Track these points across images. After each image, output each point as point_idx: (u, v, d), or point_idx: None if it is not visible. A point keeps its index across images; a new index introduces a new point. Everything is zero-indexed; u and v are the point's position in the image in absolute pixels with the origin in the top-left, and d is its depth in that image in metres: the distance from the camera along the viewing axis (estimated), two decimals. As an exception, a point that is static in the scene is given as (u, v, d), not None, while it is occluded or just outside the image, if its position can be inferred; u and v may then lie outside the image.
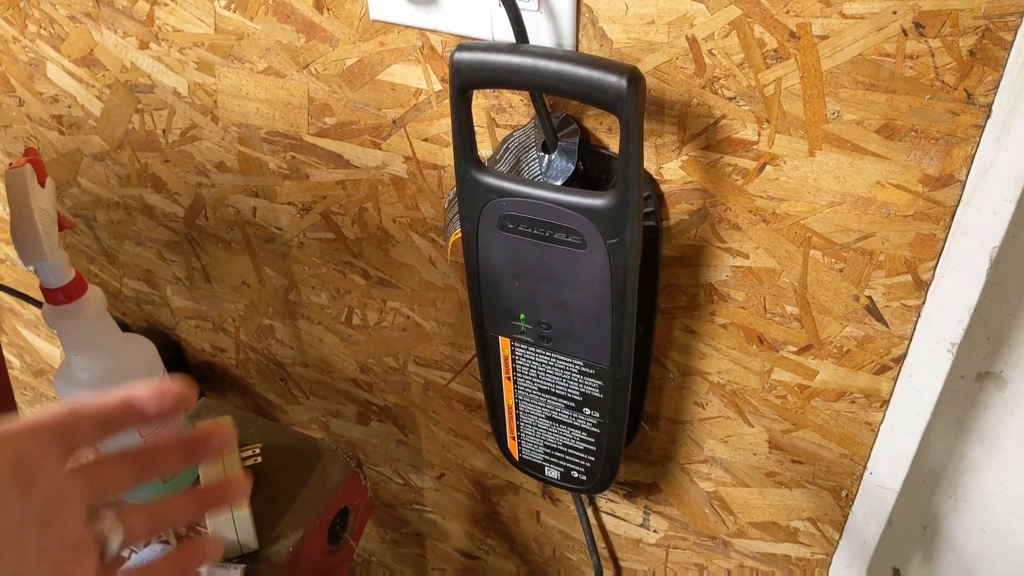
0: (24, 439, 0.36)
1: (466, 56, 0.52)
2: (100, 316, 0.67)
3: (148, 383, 0.39)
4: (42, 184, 0.64)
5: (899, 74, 0.49)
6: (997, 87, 0.47)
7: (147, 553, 0.67)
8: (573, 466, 0.72)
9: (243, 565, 0.71)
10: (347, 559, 0.83)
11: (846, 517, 0.73)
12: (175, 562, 0.42)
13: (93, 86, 0.86)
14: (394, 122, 0.69)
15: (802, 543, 0.78)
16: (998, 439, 0.69)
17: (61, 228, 0.66)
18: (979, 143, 0.49)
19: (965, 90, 0.48)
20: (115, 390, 0.39)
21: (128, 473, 0.40)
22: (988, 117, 0.48)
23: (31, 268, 0.63)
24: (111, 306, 1.13)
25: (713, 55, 0.53)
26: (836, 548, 0.76)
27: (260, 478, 0.79)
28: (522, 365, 0.67)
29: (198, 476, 0.76)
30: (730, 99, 0.54)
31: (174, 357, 1.15)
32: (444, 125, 0.67)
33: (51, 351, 1.36)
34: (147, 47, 0.78)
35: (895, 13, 0.47)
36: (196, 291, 1.02)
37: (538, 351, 0.65)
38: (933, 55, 0.47)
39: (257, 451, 0.80)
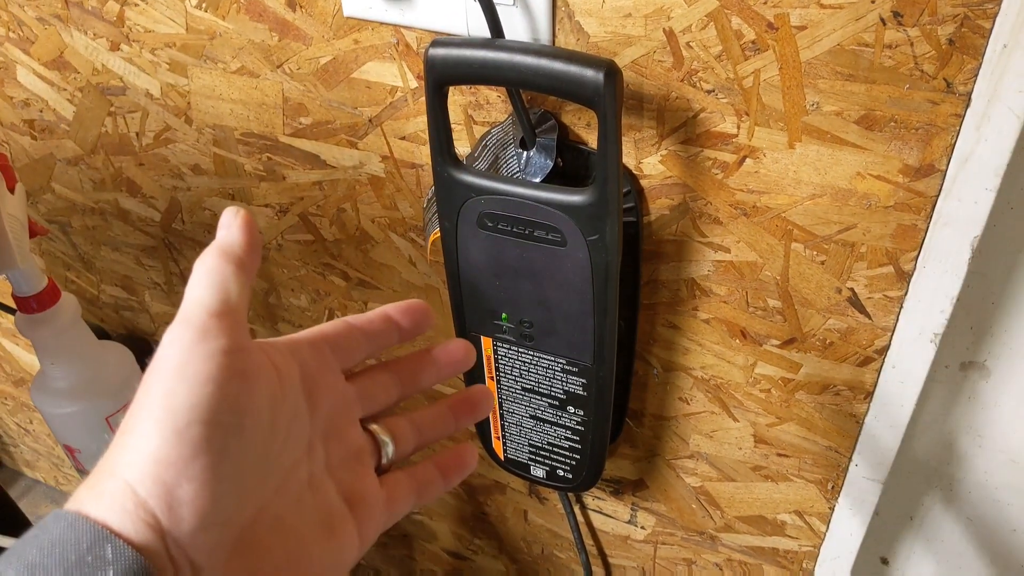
0: (307, 352, 0.36)
1: (441, 52, 0.51)
2: (74, 324, 0.66)
3: (397, 304, 0.40)
4: (11, 190, 0.62)
5: (878, 64, 0.48)
6: (976, 76, 0.46)
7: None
8: (559, 464, 0.72)
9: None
10: (333, 564, 0.82)
11: (833, 509, 0.73)
12: (439, 468, 0.41)
13: (64, 89, 0.84)
14: (370, 121, 0.68)
15: (789, 536, 0.78)
16: (983, 428, 0.69)
17: (33, 235, 0.65)
18: (959, 132, 0.49)
19: (944, 79, 0.47)
20: (372, 312, 0.40)
21: (393, 384, 0.40)
22: (968, 106, 0.48)
23: (2, 276, 0.62)
24: (89, 313, 1.11)
25: (691, 48, 0.52)
26: (824, 540, 0.76)
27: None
28: (505, 364, 0.67)
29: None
30: (709, 92, 0.54)
31: (155, 363, 1.13)
32: (421, 123, 0.66)
33: (31, 360, 1.34)
34: (118, 48, 0.77)
35: (873, 2, 0.46)
36: (175, 296, 1.01)
37: (521, 350, 0.65)
38: (912, 44, 0.47)
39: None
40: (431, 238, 0.64)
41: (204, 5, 0.69)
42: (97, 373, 0.69)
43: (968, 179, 0.50)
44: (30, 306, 0.64)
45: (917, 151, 0.51)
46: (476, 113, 0.63)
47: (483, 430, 0.74)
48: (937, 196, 0.52)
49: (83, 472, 0.74)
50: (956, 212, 0.51)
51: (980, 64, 0.46)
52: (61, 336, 0.66)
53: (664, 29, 0.52)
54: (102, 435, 0.69)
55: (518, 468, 0.75)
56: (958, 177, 0.50)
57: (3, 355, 1.39)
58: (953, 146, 0.49)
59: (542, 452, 0.72)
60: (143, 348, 1.11)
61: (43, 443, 1.59)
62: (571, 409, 0.67)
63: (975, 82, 0.47)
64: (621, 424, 0.77)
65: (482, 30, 0.55)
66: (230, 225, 0.33)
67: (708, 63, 0.53)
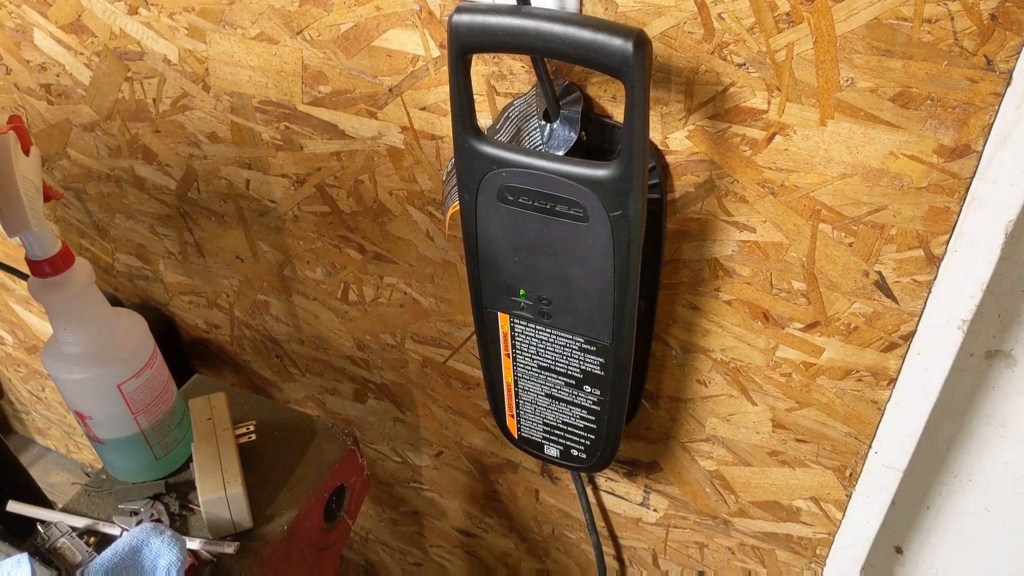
0: None
1: (465, 18, 0.50)
2: (88, 289, 0.66)
3: None
4: (26, 152, 0.62)
5: (916, 39, 0.47)
6: (1019, 53, 0.45)
7: (138, 532, 0.66)
8: (573, 444, 0.71)
9: (237, 543, 0.70)
10: (343, 537, 0.82)
11: (850, 496, 0.72)
12: None
13: (82, 53, 0.83)
14: (390, 90, 0.67)
15: (804, 522, 0.77)
16: (1005, 418, 0.68)
17: (47, 198, 0.64)
18: (998, 112, 0.47)
19: (985, 56, 0.46)
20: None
21: None
22: (1008, 84, 0.46)
23: (16, 240, 0.61)
24: (103, 281, 1.11)
25: (722, 19, 0.51)
26: (839, 527, 0.75)
27: (254, 456, 0.77)
28: (521, 342, 0.66)
29: (191, 455, 0.75)
30: (739, 66, 0.52)
31: (168, 334, 1.13)
32: (442, 93, 0.65)
33: (44, 327, 1.35)
34: (136, 12, 0.76)
35: (914, -26, 0.45)
36: (189, 266, 1.01)
37: (538, 327, 0.64)
38: (952, 19, 0.45)
39: (252, 428, 0.79)
40: (450, 211, 0.63)
41: (224, -31, 0.68)
42: (110, 339, 0.68)
43: (1005, 161, 0.48)
44: (43, 270, 0.63)
45: (953, 131, 0.49)
46: (499, 84, 0.62)
47: (497, 408, 0.73)
48: (972, 178, 0.50)
49: (94, 440, 0.74)
50: (991, 195, 0.50)
51: (1023, 41, 0.44)
52: (74, 301, 0.65)
53: (695, 0, 0.51)
54: (114, 402, 0.69)
55: (532, 447, 0.74)
56: (995, 158, 0.49)
57: (16, 322, 1.39)
58: (991, 126, 0.48)
59: (557, 431, 0.71)
60: (156, 317, 1.11)
61: (55, 411, 1.60)
62: (587, 388, 0.66)
63: (1017, 60, 0.45)
64: (637, 405, 0.76)
65: (508, -3, 0.53)
66: None
67: (740, 35, 0.51)
